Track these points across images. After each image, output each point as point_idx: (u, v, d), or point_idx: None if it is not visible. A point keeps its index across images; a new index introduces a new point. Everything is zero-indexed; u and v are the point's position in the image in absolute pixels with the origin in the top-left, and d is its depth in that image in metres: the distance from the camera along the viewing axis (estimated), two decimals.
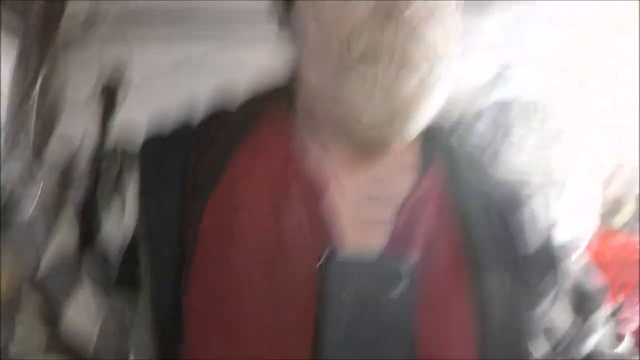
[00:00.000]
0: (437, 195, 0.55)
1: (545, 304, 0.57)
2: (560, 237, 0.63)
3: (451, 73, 0.55)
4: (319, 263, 0.47)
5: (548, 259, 0.59)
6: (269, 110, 0.59)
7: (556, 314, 0.58)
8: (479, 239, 0.54)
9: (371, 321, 0.47)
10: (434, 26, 0.51)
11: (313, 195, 0.52)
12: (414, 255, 0.49)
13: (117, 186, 0.56)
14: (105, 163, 0.59)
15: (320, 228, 0.51)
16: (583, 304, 0.60)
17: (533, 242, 0.58)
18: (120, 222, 0.55)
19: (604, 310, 0.62)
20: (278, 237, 0.50)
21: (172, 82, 2.28)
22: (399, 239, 0.51)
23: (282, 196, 0.52)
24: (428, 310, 0.49)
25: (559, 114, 2.82)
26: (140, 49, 2.36)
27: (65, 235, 0.57)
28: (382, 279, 0.48)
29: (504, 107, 2.76)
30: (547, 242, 0.60)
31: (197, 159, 0.55)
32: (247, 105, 0.60)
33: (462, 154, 0.61)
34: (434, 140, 0.59)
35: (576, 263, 0.63)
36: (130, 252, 0.53)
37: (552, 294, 0.58)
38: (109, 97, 2.25)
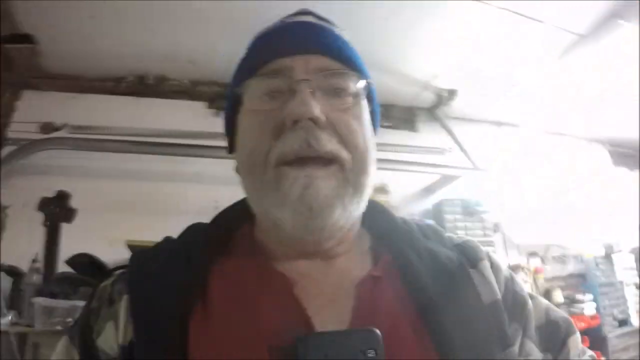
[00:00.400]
0: (390, 273, 0.62)
1: (517, 342, 0.63)
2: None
3: (371, 169, 0.63)
4: (296, 339, 0.53)
5: (515, 302, 0.65)
6: (240, 224, 0.69)
7: (529, 349, 0.63)
8: (436, 303, 0.58)
9: None
10: (334, 133, 0.60)
11: (284, 289, 0.59)
12: (378, 327, 0.54)
13: (109, 305, 0.61)
14: (96, 289, 0.64)
15: (294, 313, 0.57)
16: (553, 336, 0.66)
17: (499, 288, 0.65)
18: (115, 338, 0.59)
19: (574, 340, 0.67)
20: (258, 327, 0.56)
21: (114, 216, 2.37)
22: (362, 314, 0.57)
23: (258, 293, 0.59)
24: None
25: (496, 210, 3.06)
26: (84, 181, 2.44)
27: (64, 357, 0.61)
28: (352, 349, 0.53)
29: (449, 203, 2.99)
30: (512, 287, 0.67)
31: (181, 270, 0.60)
32: (222, 220, 0.70)
33: (410, 235, 0.68)
34: (382, 228, 0.69)
35: (540, 303, 0.70)
36: None
37: (521, 332, 0.64)
38: (52, 223, 2.32)
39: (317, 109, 0.58)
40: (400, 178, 2.92)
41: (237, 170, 0.68)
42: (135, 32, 2.33)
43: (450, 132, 3.12)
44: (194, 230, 0.69)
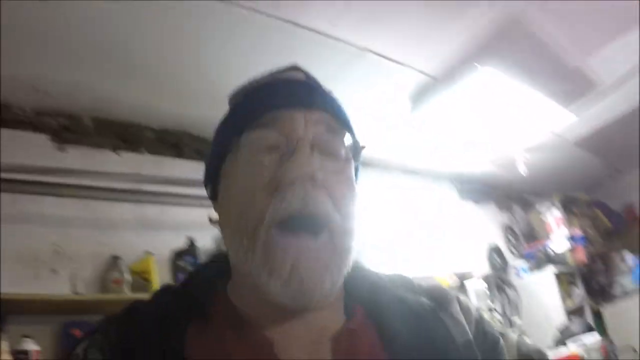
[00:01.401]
0: (364, 325, 0.63)
1: None
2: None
3: (356, 232, 0.63)
4: None
5: (486, 340, 0.67)
6: (215, 284, 0.68)
7: None
8: (410, 351, 0.60)
9: None
10: (328, 195, 0.60)
11: (264, 349, 0.59)
12: None
13: None
14: None
15: None
16: None
17: (470, 328, 0.66)
18: None
19: None
20: None
21: None
22: None
23: (237, 356, 0.58)
24: None
25: None
26: None
27: None
28: None
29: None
30: (482, 326, 0.69)
31: (157, 340, 0.58)
32: (195, 283, 0.68)
33: (381, 285, 0.69)
34: (354, 280, 0.68)
35: (511, 338, 0.75)
36: None
37: None
38: None
39: (315, 167, 0.59)
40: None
41: (217, 222, 0.67)
42: None
43: None
44: (166, 296, 0.67)
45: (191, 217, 2.56)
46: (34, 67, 2.15)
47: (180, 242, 2.53)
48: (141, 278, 2.33)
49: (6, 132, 2.30)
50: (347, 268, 0.62)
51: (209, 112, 2.54)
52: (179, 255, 2.49)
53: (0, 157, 2.13)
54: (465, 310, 0.69)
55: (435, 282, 0.76)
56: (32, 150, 2.33)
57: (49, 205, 2.25)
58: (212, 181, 0.69)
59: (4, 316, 1.98)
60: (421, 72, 2.70)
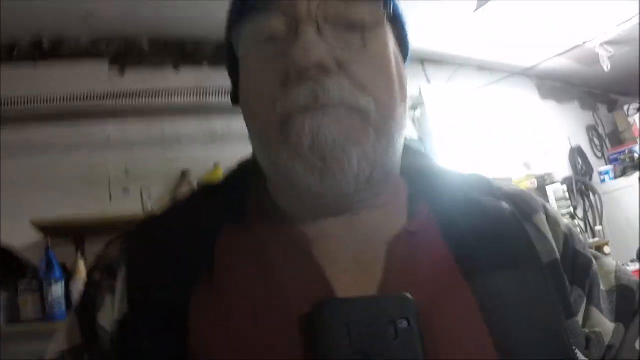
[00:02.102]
0: (429, 228, 0.54)
1: (580, 310, 0.54)
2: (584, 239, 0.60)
3: (400, 111, 0.54)
4: (314, 306, 0.46)
5: (576, 263, 0.56)
6: (254, 183, 0.61)
7: (596, 319, 0.54)
8: (484, 264, 0.50)
9: None
10: (348, 78, 0.50)
11: (300, 250, 0.52)
12: (413, 292, 0.46)
13: (109, 277, 0.55)
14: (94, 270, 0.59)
15: (312, 276, 0.50)
16: (624, 304, 0.56)
17: (557, 246, 0.55)
18: (112, 312, 0.53)
19: None
20: (270, 294, 0.49)
21: None
22: (394, 278, 0.50)
23: (271, 258, 0.52)
24: (444, 344, 0.46)
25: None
26: None
27: (69, 335, 0.55)
28: (380, 319, 0.44)
29: None
30: (572, 245, 0.57)
31: (187, 237, 0.54)
32: (233, 180, 0.63)
33: (453, 184, 0.60)
34: (420, 176, 0.61)
35: (608, 264, 0.59)
36: (120, 341, 0.51)
37: (585, 299, 0.54)
38: None
39: (323, 52, 0.48)
40: None
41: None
42: None
43: None
44: (203, 193, 0.63)
45: None
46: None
47: (248, 151, 2.56)
48: None
49: (66, 64, 2.40)
50: (390, 151, 0.53)
51: None
52: None
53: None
54: (553, 223, 0.58)
55: (518, 187, 0.64)
56: (91, 77, 2.42)
57: (115, 129, 2.35)
58: (233, 82, 0.61)
59: (83, 237, 2.15)
60: None
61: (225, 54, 0.61)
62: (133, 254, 0.55)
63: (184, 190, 2.38)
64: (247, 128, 0.57)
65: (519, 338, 0.46)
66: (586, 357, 0.50)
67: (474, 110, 3.55)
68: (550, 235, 0.56)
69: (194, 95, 2.47)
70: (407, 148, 0.60)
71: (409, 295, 0.46)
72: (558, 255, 0.54)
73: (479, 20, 3.05)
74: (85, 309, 0.55)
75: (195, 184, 2.41)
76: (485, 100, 3.67)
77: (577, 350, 0.48)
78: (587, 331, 0.53)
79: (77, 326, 0.55)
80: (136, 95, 2.36)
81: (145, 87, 2.41)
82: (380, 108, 0.50)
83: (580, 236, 0.60)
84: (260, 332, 0.47)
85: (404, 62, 0.60)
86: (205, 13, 2.42)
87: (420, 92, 3.21)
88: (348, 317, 0.45)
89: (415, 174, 0.61)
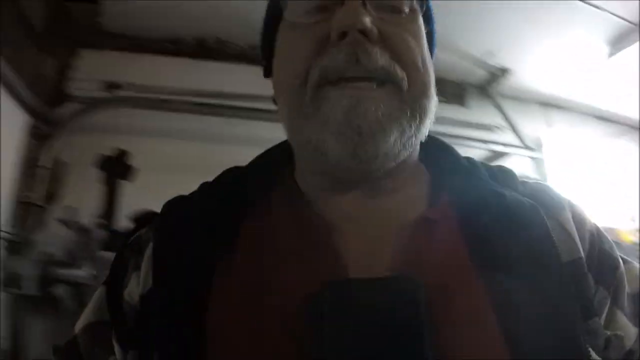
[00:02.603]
0: (448, 217, 0.53)
1: (604, 311, 0.52)
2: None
3: (432, 93, 0.55)
4: (322, 284, 0.45)
5: (602, 263, 0.54)
6: (281, 166, 0.63)
7: (619, 321, 0.52)
8: (499, 257, 0.49)
9: (378, 345, 0.43)
10: (387, 49, 0.51)
11: (318, 232, 0.52)
12: (425, 278, 0.45)
13: (137, 255, 0.57)
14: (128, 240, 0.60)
15: (328, 258, 0.50)
16: None
17: (582, 244, 0.54)
18: (137, 288, 0.55)
19: None
20: (285, 276, 0.49)
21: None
22: (407, 262, 0.49)
23: (289, 239, 0.53)
24: (452, 334, 0.45)
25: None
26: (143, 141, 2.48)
27: (97, 308, 0.58)
28: (386, 299, 0.44)
29: None
30: (598, 244, 0.56)
31: (212, 218, 0.56)
32: (261, 163, 0.65)
33: (475, 176, 0.59)
34: (443, 165, 0.60)
35: (636, 268, 0.57)
36: (144, 316, 0.53)
37: (610, 300, 0.53)
38: (112, 181, 2.37)
39: (367, 18, 0.50)
40: None
41: (274, 99, 0.61)
42: None
43: (501, 110, 3.11)
44: (230, 176, 0.63)
45: None
46: (247, 4, 2.39)
47: None
48: None
49: (226, 65, 2.64)
50: (420, 132, 0.54)
51: None
52: None
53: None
54: (579, 221, 0.57)
55: (544, 183, 0.63)
56: (247, 79, 2.62)
57: (260, 128, 2.53)
58: (266, 56, 0.62)
59: None
60: (621, 17, 2.49)
61: (264, 22, 0.62)
62: (160, 233, 0.56)
63: None
64: (277, 99, 0.59)
65: (530, 334, 0.45)
66: (603, 358, 0.48)
67: (588, 159, 3.52)
68: (575, 233, 0.54)
69: None
70: (431, 139, 0.60)
71: (417, 279, 0.45)
72: (582, 254, 0.53)
73: (609, 67, 3.05)
74: (113, 284, 0.57)
75: None
76: (600, 150, 3.64)
77: (591, 351, 0.46)
78: (609, 333, 0.51)
79: (105, 300, 0.57)
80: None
81: None
82: (413, 85, 0.52)
83: (609, 237, 0.58)
84: (267, 315, 0.47)
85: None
86: None
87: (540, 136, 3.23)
88: (355, 297, 0.45)
89: (439, 164, 0.61)
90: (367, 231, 0.53)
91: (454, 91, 3.13)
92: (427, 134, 0.56)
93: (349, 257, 0.50)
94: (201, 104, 2.51)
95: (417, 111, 0.52)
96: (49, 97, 2.40)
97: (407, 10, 0.55)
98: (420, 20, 0.57)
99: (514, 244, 0.50)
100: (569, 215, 0.56)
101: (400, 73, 0.51)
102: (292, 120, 0.54)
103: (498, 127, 3.11)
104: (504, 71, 3.05)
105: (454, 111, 3.07)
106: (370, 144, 0.49)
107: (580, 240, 0.54)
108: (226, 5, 2.42)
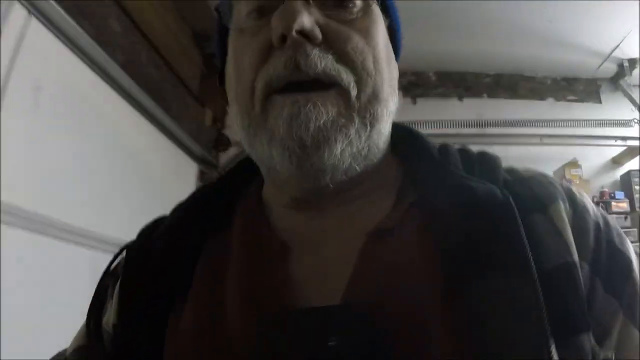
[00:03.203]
0: (412, 223, 0.46)
1: (615, 325, 0.43)
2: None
3: (387, 96, 0.49)
4: (258, 319, 0.43)
5: (612, 263, 0.46)
6: (249, 180, 0.59)
7: (634, 343, 0.43)
8: (463, 265, 0.41)
9: None
10: (332, 50, 0.46)
11: (270, 255, 0.48)
12: (379, 298, 0.41)
13: (115, 282, 0.55)
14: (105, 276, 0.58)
15: (276, 285, 0.45)
16: None
17: (586, 240, 0.46)
18: (112, 317, 0.53)
19: None
20: (232, 305, 0.46)
21: None
22: (361, 283, 0.43)
23: (239, 264, 0.48)
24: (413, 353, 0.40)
25: None
26: None
27: (81, 338, 0.56)
28: (308, 335, 0.41)
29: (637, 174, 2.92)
30: (606, 238, 0.47)
31: (174, 245, 0.52)
32: (228, 179, 0.59)
33: (444, 169, 0.51)
34: (413, 162, 0.53)
35: None
36: (115, 346, 0.51)
37: (622, 313, 0.44)
38: None
39: (306, 18, 0.45)
40: (589, 151, 2.94)
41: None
42: None
43: (634, 102, 3.04)
44: (199, 196, 0.58)
45: (532, 153, 2.75)
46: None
47: None
48: None
49: None
50: (375, 137, 0.49)
51: (540, 52, 2.75)
52: None
53: None
54: (580, 214, 0.47)
55: (537, 173, 0.52)
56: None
57: None
58: (220, 64, 0.57)
59: None
60: None
61: (215, 31, 0.58)
62: (127, 264, 0.54)
63: None
64: (230, 110, 0.54)
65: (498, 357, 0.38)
66: None
67: None
68: (568, 229, 0.45)
69: (474, 125, 2.70)
70: (399, 131, 0.56)
71: (350, 306, 0.41)
72: (575, 258, 0.43)
73: None
74: (94, 311, 0.55)
75: None
76: None
77: None
78: (610, 354, 0.43)
79: (86, 326, 0.55)
80: (427, 124, 2.62)
81: (434, 115, 2.67)
82: (363, 89, 0.47)
83: (618, 228, 0.49)
84: (216, 351, 0.44)
85: (396, 56, 0.56)
86: (485, 49, 2.65)
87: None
88: (287, 330, 0.42)
89: (407, 160, 0.55)
90: (324, 251, 0.48)
91: (586, 89, 3.11)
92: (387, 135, 0.52)
93: (301, 284, 0.45)
94: None
95: (367, 118, 0.47)
96: (213, 143, 2.59)
97: (358, 3, 0.49)
98: (375, 14, 0.51)
99: (482, 252, 0.42)
100: (562, 208, 0.46)
101: (346, 76, 0.46)
102: (243, 132, 0.51)
103: (634, 121, 3.05)
104: (632, 62, 3.00)
105: (588, 109, 3.06)
106: (314, 156, 0.45)
107: (580, 236, 0.45)
108: None
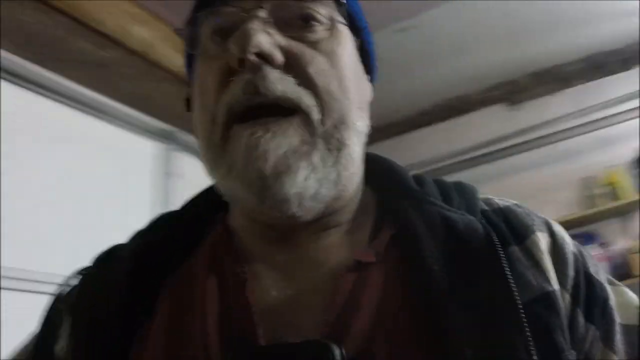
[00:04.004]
0: (390, 256, 0.46)
1: (595, 353, 0.45)
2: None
3: (355, 119, 0.48)
4: (244, 352, 0.42)
5: (591, 293, 0.46)
6: (215, 209, 0.56)
7: None
8: (440, 300, 0.41)
9: None
10: (293, 73, 0.45)
11: (240, 290, 0.46)
12: (355, 337, 0.41)
13: (68, 311, 0.52)
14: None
15: (240, 321, 0.44)
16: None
17: (566, 272, 0.46)
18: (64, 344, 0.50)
19: None
20: (195, 343, 0.44)
21: None
22: (331, 324, 0.42)
23: (204, 300, 0.47)
24: None
25: None
26: None
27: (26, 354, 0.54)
28: None
29: None
30: (583, 268, 0.48)
31: (132, 274, 0.49)
32: (193, 207, 0.57)
33: (422, 200, 0.51)
34: (389, 192, 0.53)
35: (626, 293, 0.50)
36: None
37: (601, 342, 0.45)
38: None
39: (264, 39, 0.44)
40: None
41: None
42: None
43: None
44: (161, 223, 0.56)
45: None
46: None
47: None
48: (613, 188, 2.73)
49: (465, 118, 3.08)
50: (344, 165, 0.47)
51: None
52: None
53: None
54: (559, 244, 0.48)
55: (513, 205, 0.53)
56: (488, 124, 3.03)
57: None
58: (189, 89, 0.55)
59: None
60: None
61: (185, 55, 0.56)
62: (80, 295, 0.51)
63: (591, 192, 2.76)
64: (195, 137, 0.52)
65: None
66: None
67: None
68: (546, 259, 0.46)
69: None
70: (375, 161, 0.56)
71: (330, 343, 0.39)
72: (553, 287, 0.44)
73: None
74: (45, 336, 0.52)
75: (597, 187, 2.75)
76: None
77: None
78: None
79: (34, 350, 0.52)
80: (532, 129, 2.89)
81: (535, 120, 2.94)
82: (327, 113, 0.46)
83: (593, 258, 0.50)
84: None
85: (372, 75, 0.56)
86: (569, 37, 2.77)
87: None
88: None
89: (384, 191, 0.54)
90: (294, 284, 0.47)
91: None
92: (359, 162, 0.51)
93: (266, 318, 0.43)
94: None
95: (334, 143, 0.46)
96: None
97: (324, 22, 0.48)
98: (342, 35, 0.49)
99: (464, 288, 0.42)
100: (540, 240, 0.47)
101: (308, 100, 0.45)
102: (204, 161, 0.49)
103: None
104: None
105: None
106: (275, 187, 0.43)
107: (561, 266, 0.46)
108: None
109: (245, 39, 0.43)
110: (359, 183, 0.53)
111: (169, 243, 0.52)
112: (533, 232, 0.48)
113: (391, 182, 0.54)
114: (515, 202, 0.54)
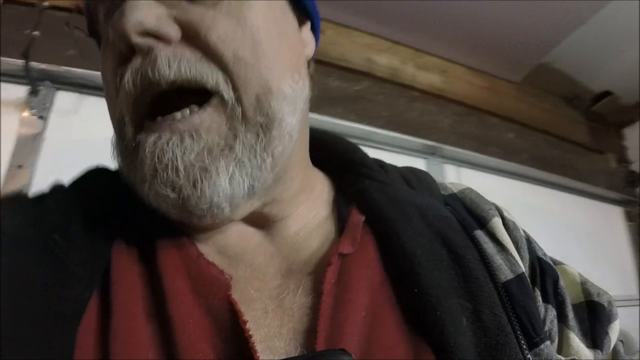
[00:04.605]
0: (366, 244, 0.43)
1: (556, 334, 0.45)
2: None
3: (284, 90, 0.40)
4: None
5: (544, 274, 0.47)
6: None
7: (573, 344, 0.45)
8: (430, 289, 0.39)
9: None
10: (194, 46, 0.37)
11: (214, 289, 0.39)
12: (353, 338, 0.37)
13: None
14: None
15: (225, 326, 0.37)
16: (595, 323, 0.47)
17: (522, 254, 0.47)
18: None
19: (615, 328, 0.48)
20: (175, 346, 0.35)
21: None
22: (326, 324, 0.37)
23: (189, 301, 0.38)
24: None
25: None
26: None
27: None
28: None
29: None
30: (534, 251, 0.48)
31: (69, 241, 0.39)
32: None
33: (388, 183, 0.48)
34: (347, 171, 0.49)
35: (570, 272, 0.51)
36: None
37: (557, 319, 0.46)
38: None
39: (148, 13, 0.36)
40: None
41: None
42: None
43: None
44: (95, 182, 0.46)
45: None
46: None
47: None
48: None
49: None
50: (282, 150, 0.40)
51: None
52: None
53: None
54: (512, 229, 0.48)
55: (467, 189, 0.52)
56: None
57: None
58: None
59: None
60: None
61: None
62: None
63: None
64: None
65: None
66: None
67: None
68: (510, 244, 0.46)
69: None
70: (325, 135, 0.52)
71: (346, 352, 0.33)
72: (523, 268, 0.44)
73: None
74: None
75: None
76: None
77: None
78: (563, 359, 0.44)
79: None
80: None
81: None
82: (243, 86, 0.38)
83: (538, 244, 0.50)
84: None
85: (315, 30, 0.49)
86: None
87: None
88: None
89: (340, 170, 0.50)
90: (272, 279, 0.42)
91: None
92: (299, 136, 0.44)
93: (254, 321, 0.38)
94: None
95: (259, 123, 0.38)
96: (625, 183, 2.59)
97: None
98: None
99: (444, 272, 0.41)
100: (499, 223, 0.47)
101: (214, 77, 0.37)
102: (119, 165, 0.41)
103: None
104: None
105: None
106: (194, 198, 0.36)
107: (518, 250, 0.46)
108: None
109: (122, 19, 0.35)
110: (303, 158, 0.47)
111: (108, 210, 0.43)
112: (493, 216, 0.47)
113: (348, 162, 0.50)
114: (465, 185, 0.52)
